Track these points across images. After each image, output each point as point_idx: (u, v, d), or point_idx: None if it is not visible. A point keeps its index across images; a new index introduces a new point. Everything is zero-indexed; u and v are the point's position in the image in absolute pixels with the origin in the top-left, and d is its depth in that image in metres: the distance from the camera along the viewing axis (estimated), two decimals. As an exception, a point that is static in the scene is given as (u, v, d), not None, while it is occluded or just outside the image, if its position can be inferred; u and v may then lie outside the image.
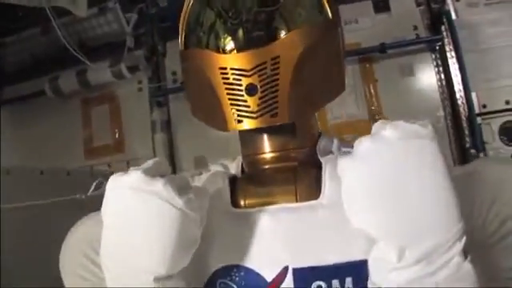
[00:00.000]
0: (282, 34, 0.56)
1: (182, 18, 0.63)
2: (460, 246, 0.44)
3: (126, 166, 1.89)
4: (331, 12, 0.61)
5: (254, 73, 0.54)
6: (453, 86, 1.73)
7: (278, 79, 0.55)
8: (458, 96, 1.73)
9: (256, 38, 0.56)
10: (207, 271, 0.55)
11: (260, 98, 0.55)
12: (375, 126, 0.50)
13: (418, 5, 1.80)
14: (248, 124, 0.56)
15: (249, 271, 0.54)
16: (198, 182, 0.63)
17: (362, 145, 0.47)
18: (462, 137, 1.72)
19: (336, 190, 0.53)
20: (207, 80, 0.58)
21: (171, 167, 1.82)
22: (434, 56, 1.79)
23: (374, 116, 1.77)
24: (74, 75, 1.87)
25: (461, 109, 1.73)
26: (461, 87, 1.72)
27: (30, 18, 1.89)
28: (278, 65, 0.55)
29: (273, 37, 0.56)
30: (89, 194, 1.20)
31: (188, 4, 0.63)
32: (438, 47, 1.77)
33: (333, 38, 0.62)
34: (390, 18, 1.81)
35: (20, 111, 2.10)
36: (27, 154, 1.98)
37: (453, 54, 1.74)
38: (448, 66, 1.74)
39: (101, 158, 1.92)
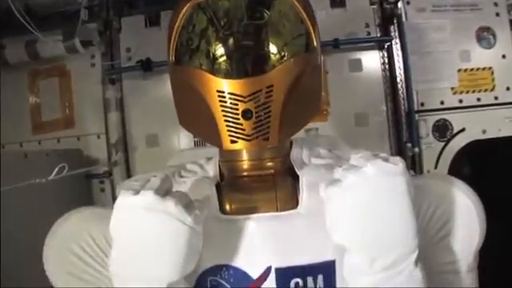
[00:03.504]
0: (274, 56, 0.63)
1: (174, 29, 0.67)
2: (414, 256, 0.57)
3: (76, 142, 1.89)
4: (315, 37, 0.68)
5: (250, 99, 0.61)
6: (396, 84, 1.85)
7: (270, 106, 0.62)
8: (400, 93, 1.85)
9: (252, 65, 0.62)
10: (198, 270, 0.62)
11: (255, 123, 0.61)
12: (354, 158, 0.60)
13: (372, 3, 1.87)
14: (242, 145, 0.63)
15: (237, 270, 0.63)
16: (185, 186, 0.69)
17: (347, 178, 0.57)
18: (400, 131, 1.86)
19: (311, 200, 0.64)
20: (202, 99, 0.63)
21: (123, 146, 1.85)
22: (381, 54, 1.88)
23: (323, 106, 1.86)
24: (23, 46, 1.77)
25: (402, 105, 1.85)
26: (403, 85, 1.84)
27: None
28: (272, 93, 0.61)
29: (266, 64, 0.63)
30: (50, 178, 1.21)
31: (183, 15, 0.66)
32: (386, 46, 1.86)
33: (317, 67, 0.70)
34: (345, 14, 1.87)
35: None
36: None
37: (399, 53, 1.84)
38: (394, 64, 1.85)
39: (50, 132, 1.87)
